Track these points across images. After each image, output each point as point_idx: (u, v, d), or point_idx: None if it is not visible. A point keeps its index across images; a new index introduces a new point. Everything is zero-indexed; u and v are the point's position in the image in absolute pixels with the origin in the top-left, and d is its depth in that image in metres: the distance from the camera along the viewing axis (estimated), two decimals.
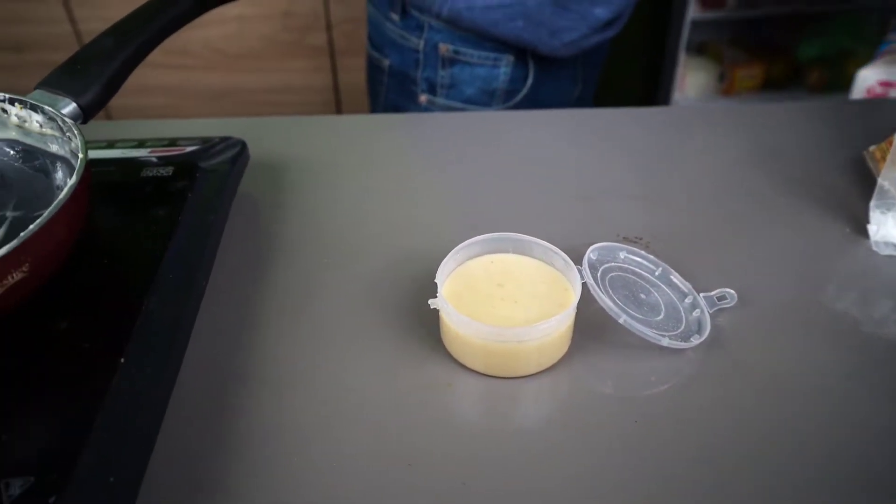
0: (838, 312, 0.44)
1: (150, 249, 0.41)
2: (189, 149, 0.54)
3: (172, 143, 0.55)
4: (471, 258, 0.44)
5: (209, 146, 0.54)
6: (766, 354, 0.42)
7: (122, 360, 0.34)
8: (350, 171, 0.59)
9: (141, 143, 0.55)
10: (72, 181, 0.36)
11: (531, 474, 0.35)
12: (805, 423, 0.38)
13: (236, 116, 0.70)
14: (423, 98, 0.87)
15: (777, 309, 0.45)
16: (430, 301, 0.41)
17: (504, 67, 0.82)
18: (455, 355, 0.41)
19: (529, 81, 0.84)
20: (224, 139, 0.56)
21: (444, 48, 0.81)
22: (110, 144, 0.55)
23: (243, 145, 0.56)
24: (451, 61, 0.83)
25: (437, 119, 0.67)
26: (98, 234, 0.42)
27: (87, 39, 1.49)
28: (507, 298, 0.41)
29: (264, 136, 0.62)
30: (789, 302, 0.45)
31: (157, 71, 1.43)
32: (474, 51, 0.81)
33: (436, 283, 0.41)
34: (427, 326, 0.43)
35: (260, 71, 1.48)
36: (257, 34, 1.45)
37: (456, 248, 0.43)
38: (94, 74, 0.47)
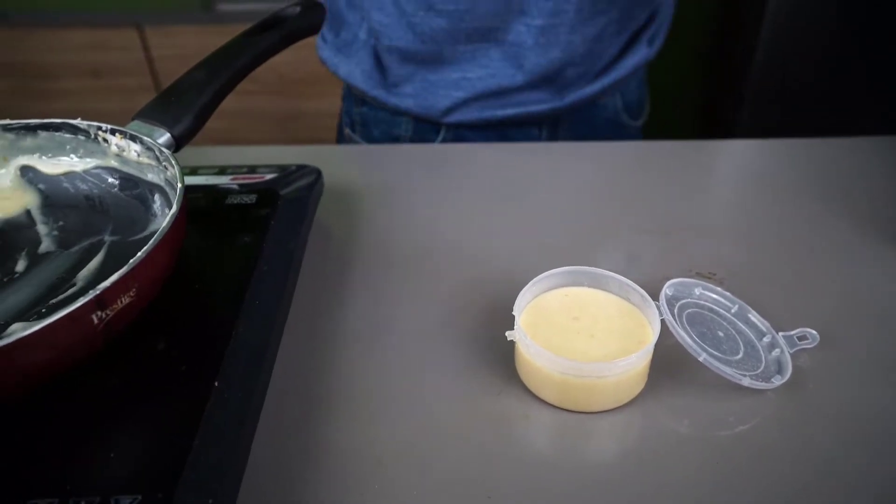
0: None
1: (238, 275, 0.43)
2: (268, 176, 0.56)
3: (252, 170, 0.57)
4: (546, 291, 0.44)
5: (287, 174, 0.56)
6: (850, 398, 0.41)
7: (216, 384, 0.35)
8: (421, 200, 0.60)
9: (222, 170, 0.57)
10: (173, 210, 0.38)
11: None
12: (888, 471, 0.37)
13: (297, 143, 0.73)
14: (346, 132, 0.83)
15: (860, 351, 0.44)
16: (507, 333, 0.41)
17: (405, 117, 0.77)
18: (531, 387, 0.41)
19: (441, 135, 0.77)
20: (300, 167, 0.58)
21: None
22: (193, 171, 0.58)
23: (319, 173, 0.58)
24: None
25: (504, 149, 0.68)
26: (190, 259, 0.44)
27: (158, 66, 1.56)
28: (583, 332, 0.41)
29: (333, 163, 0.64)
30: (872, 344, 0.44)
31: None
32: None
33: (512, 315, 0.41)
34: (503, 357, 0.43)
35: (321, 96, 1.52)
36: (317, 59, 1.49)
37: (532, 281, 0.43)
38: (187, 106, 0.49)
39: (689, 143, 0.67)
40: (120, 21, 1.50)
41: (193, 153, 0.77)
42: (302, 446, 0.38)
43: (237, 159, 0.63)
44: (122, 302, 0.34)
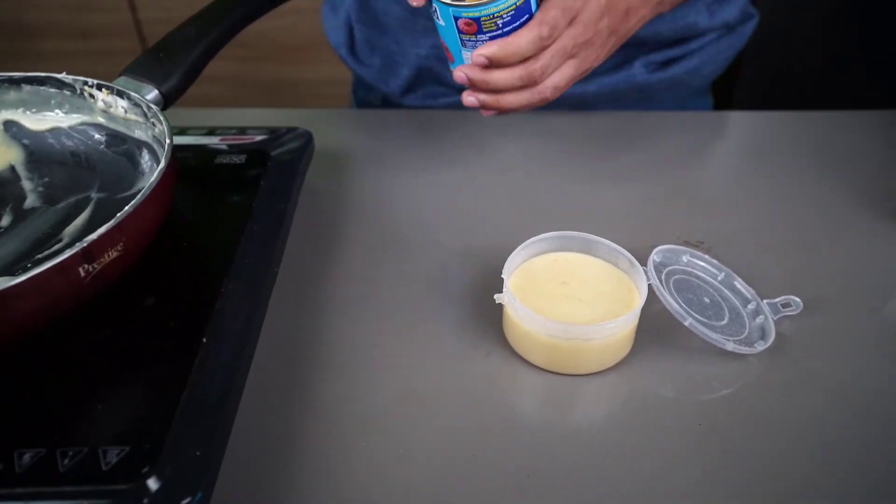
0: None
1: (227, 235, 0.43)
2: (258, 138, 0.55)
3: (241, 131, 0.57)
4: (536, 255, 0.44)
5: (278, 135, 0.56)
6: (831, 363, 0.41)
7: (204, 340, 0.35)
8: (413, 165, 0.59)
9: (211, 131, 0.57)
10: (161, 165, 0.38)
11: (592, 471, 0.36)
12: (868, 433, 0.38)
13: (292, 107, 0.72)
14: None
15: (842, 318, 0.44)
16: (496, 296, 0.42)
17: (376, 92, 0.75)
18: (518, 350, 0.41)
19: None
20: (291, 129, 0.57)
21: None
22: (182, 131, 0.57)
23: (309, 136, 0.57)
24: None
25: (500, 117, 0.67)
26: (179, 217, 0.44)
27: (146, 28, 1.53)
28: (571, 297, 0.42)
29: (325, 127, 0.64)
30: (854, 311, 0.45)
31: (214, 61, 1.46)
32: None
33: (501, 279, 0.42)
34: (491, 320, 0.44)
35: (315, 62, 1.50)
36: (311, 26, 1.47)
37: (521, 245, 0.43)
38: (176, 63, 0.49)
39: (680, 113, 0.67)
40: None
41: (182, 114, 0.76)
42: (290, 403, 0.39)
43: (227, 121, 0.63)
44: (109, 256, 0.33)
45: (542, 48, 0.44)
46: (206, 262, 0.41)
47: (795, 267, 0.48)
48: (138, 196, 0.35)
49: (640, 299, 0.40)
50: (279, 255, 0.45)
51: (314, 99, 1.59)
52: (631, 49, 0.63)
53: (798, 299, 0.44)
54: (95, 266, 0.33)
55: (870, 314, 0.45)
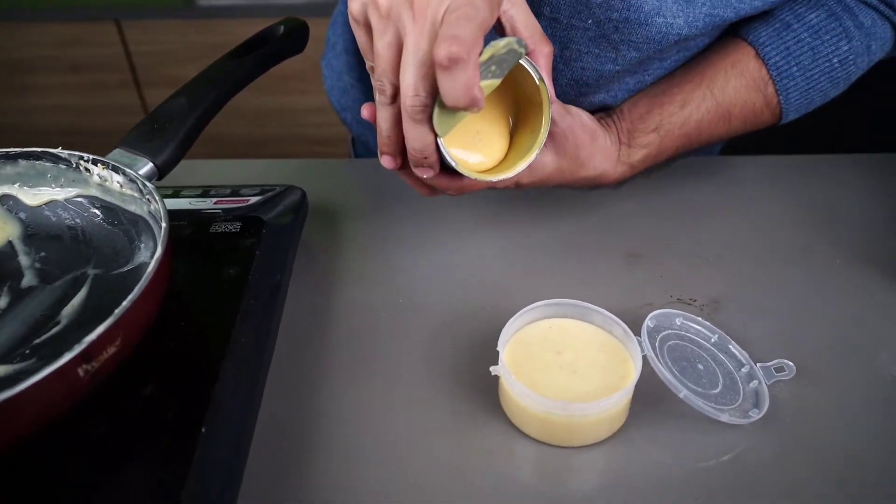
0: (891, 380, 0.44)
1: (224, 311, 0.43)
2: (252, 200, 0.56)
3: (235, 192, 0.57)
4: (531, 322, 0.45)
5: (271, 196, 0.56)
6: (825, 429, 0.42)
7: (203, 430, 0.36)
8: (406, 218, 0.59)
9: (205, 192, 0.57)
10: (157, 253, 0.38)
11: None
12: (867, 499, 0.38)
13: (282, 140, 0.72)
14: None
15: (835, 381, 0.45)
16: (491, 368, 0.42)
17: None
18: (514, 422, 0.42)
19: None
20: (285, 188, 0.57)
21: None
22: (176, 192, 0.57)
23: (303, 194, 0.58)
24: None
25: None
26: (175, 292, 0.44)
27: (137, 62, 1.54)
28: (566, 367, 0.42)
29: (318, 178, 0.64)
30: (848, 373, 0.45)
31: None
32: None
33: (495, 348, 0.42)
34: (485, 388, 0.44)
35: (304, 92, 1.51)
36: (301, 56, 1.47)
37: (516, 315, 0.44)
38: (170, 135, 0.49)
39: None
40: (98, 15, 1.47)
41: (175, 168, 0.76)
42: (288, 489, 0.39)
43: (220, 175, 0.63)
44: (107, 352, 0.34)
45: None
46: (202, 343, 0.42)
47: (788, 327, 0.49)
48: (135, 290, 0.36)
49: (635, 372, 0.41)
50: (275, 331, 0.46)
51: (306, 128, 1.60)
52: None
53: (791, 364, 0.44)
54: (94, 364, 0.33)
55: (862, 375, 0.45)
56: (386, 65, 0.40)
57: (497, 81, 0.41)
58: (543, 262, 0.55)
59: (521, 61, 0.42)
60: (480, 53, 0.38)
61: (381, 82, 0.41)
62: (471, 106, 0.37)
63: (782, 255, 0.55)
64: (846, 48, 0.53)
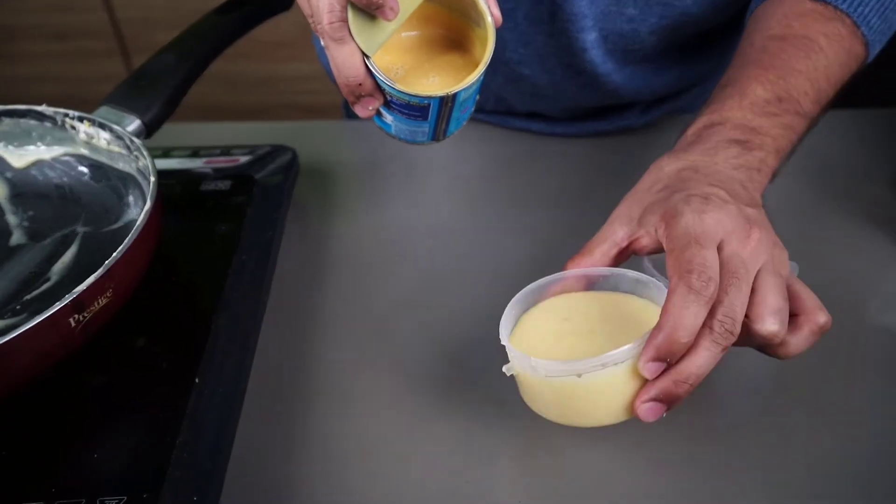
0: (879, 329, 0.45)
1: (215, 267, 0.43)
2: (243, 159, 0.55)
3: (225, 151, 0.57)
4: (526, 310, 0.39)
5: (262, 156, 0.56)
6: (809, 369, 0.42)
7: (197, 381, 0.36)
8: (396, 179, 0.59)
9: (195, 153, 0.57)
10: (147, 206, 0.38)
11: None
12: (846, 439, 0.39)
13: (273, 107, 0.71)
14: None
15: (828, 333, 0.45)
16: (504, 368, 0.37)
17: None
18: (534, 408, 0.37)
19: None
20: (275, 148, 0.57)
21: None
22: (166, 153, 0.57)
23: (294, 154, 0.57)
24: None
25: (488, 130, 0.67)
26: (166, 249, 0.44)
27: (124, 29, 1.51)
28: (578, 332, 0.37)
29: (309, 139, 0.63)
30: (840, 324, 0.46)
31: None
32: None
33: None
34: (482, 347, 0.44)
35: (295, 59, 1.49)
36: (291, 21, 1.45)
37: (509, 305, 0.38)
38: (157, 92, 0.49)
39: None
40: None
41: (165, 130, 0.75)
42: (282, 439, 0.39)
43: (210, 137, 0.62)
44: (99, 303, 0.34)
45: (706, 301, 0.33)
46: (194, 297, 0.42)
47: None
48: (126, 241, 0.35)
49: (657, 309, 0.34)
50: (268, 286, 0.46)
51: (298, 95, 1.58)
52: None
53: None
54: (86, 315, 0.33)
55: (846, 319, 0.46)
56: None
57: None
58: (541, 223, 0.54)
59: None
60: None
61: (320, 25, 0.37)
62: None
63: (769, 206, 0.55)
64: None
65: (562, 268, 0.40)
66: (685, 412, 0.36)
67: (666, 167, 0.40)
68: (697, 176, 0.38)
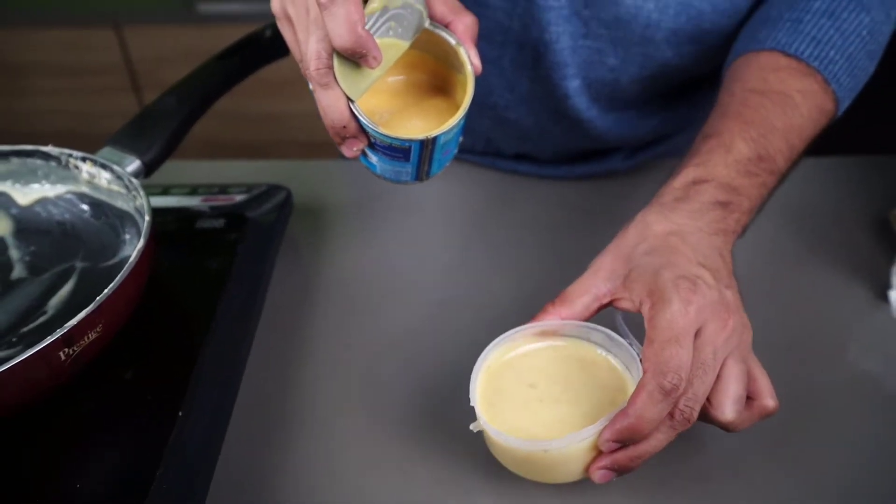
0: (858, 375, 0.46)
1: (204, 302, 0.45)
2: (238, 198, 0.57)
3: (223, 190, 0.59)
4: (496, 360, 0.40)
5: (257, 195, 0.58)
6: (787, 419, 0.43)
7: (180, 414, 0.37)
8: (389, 220, 0.61)
9: (193, 191, 0.59)
10: (139, 245, 0.40)
11: None
12: (821, 488, 0.39)
13: (276, 145, 0.73)
14: None
15: (796, 372, 0.46)
16: (471, 426, 0.38)
17: None
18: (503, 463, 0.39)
19: None
20: (271, 187, 0.59)
21: None
22: (165, 191, 0.59)
23: (288, 193, 0.59)
24: None
25: (477, 171, 0.69)
26: (158, 283, 0.46)
27: (137, 67, 1.56)
28: (545, 400, 0.38)
29: (308, 179, 0.65)
30: (808, 364, 0.47)
31: None
32: None
33: (471, 379, 0.38)
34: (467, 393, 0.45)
35: (295, 98, 1.53)
36: (291, 63, 1.49)
37: (480, 357, 0.39)
38: (158, 133, 0.51)
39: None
40: (98, 20, 1.49)
41: (167, 167, 0.78)
42: (262, 471, 0.40)
43: (210, 175, 0.64)
44: (89, 337, 0.35)
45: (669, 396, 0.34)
46: (183, 331, 0.43)
47: (755, 323, 0.50)
48: (117, 278, 0.37)
49: (631, 382, 0.37)
50: (256, 320, 0.47)
51: (297, 132, 1.62)
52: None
53: None
54: (75, 349, 0.35)
55: (822, 366, 0.47)
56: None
57: (404, 44, 0.40)
58: (527, 263, 0.56)
59: (435, 29, 0.40)
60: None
61: (308, 71, 0.39)
62: (358, 48, 0.36)
63: (746, 252, 0.56)
64: (868, 19, 0.48)
65: (542, 309, 0.41)
66: (668, 454, 0.37)
67: (653, 225, 0.41)
68: (684, 248, 0.39)
